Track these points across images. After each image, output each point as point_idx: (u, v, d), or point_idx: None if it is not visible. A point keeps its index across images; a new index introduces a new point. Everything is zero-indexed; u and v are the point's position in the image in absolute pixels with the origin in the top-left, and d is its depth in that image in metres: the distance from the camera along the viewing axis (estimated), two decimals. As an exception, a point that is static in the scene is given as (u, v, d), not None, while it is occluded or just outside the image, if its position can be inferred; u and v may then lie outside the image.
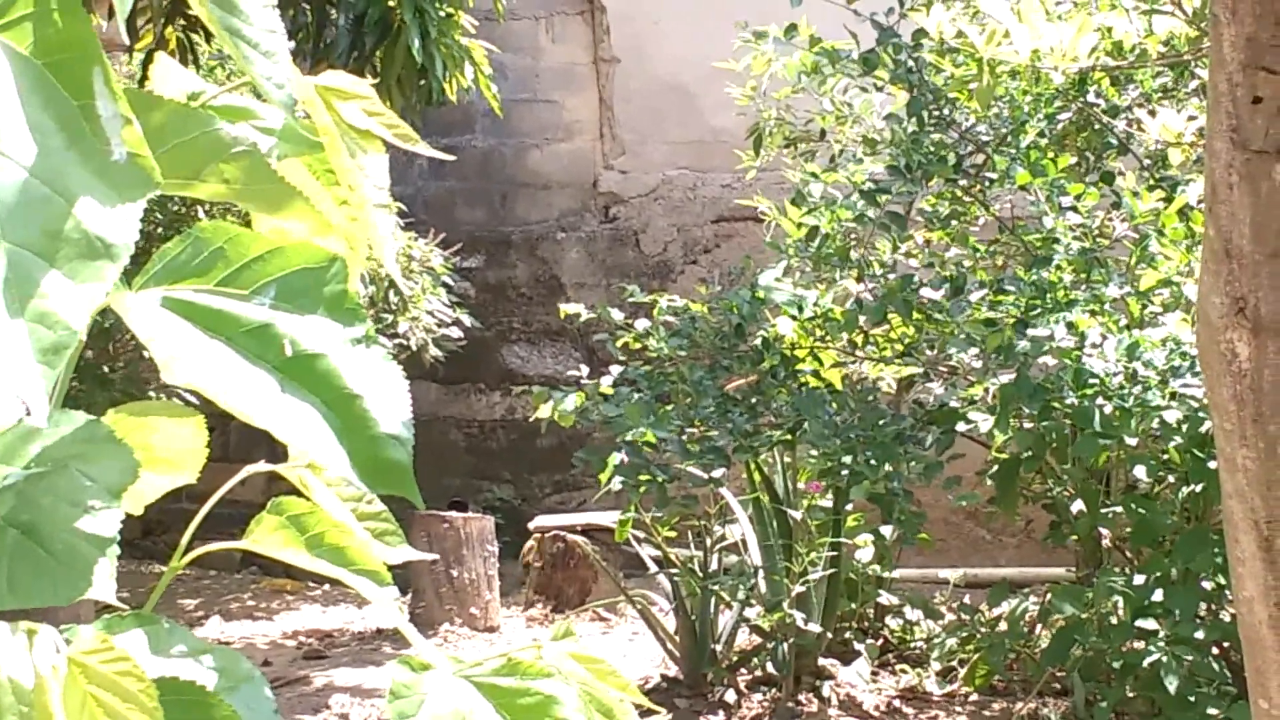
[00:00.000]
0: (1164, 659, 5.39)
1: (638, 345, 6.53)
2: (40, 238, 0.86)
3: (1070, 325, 5.71)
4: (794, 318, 6.30)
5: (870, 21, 6.33)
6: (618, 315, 6.61)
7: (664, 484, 6.17)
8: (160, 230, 7.38)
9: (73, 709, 0.91)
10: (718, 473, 6.25)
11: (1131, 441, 5.64)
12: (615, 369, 6.46)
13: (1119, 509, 5.88)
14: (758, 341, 6.28)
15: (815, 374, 6.36)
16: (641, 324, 6.54)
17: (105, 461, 0.98)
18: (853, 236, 6.57)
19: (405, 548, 1.24)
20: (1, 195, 0.86)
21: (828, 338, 6.35)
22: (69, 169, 0.88)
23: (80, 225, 0.87)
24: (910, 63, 6.06)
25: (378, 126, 1.14)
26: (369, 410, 1.03)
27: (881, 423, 6.05)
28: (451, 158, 1.29)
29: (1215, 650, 5.65)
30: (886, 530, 6.86)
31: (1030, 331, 5.72)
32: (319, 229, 1.12)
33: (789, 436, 6.25)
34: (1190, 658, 5.42)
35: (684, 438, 6.16)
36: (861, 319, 6.23)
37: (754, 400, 6.23)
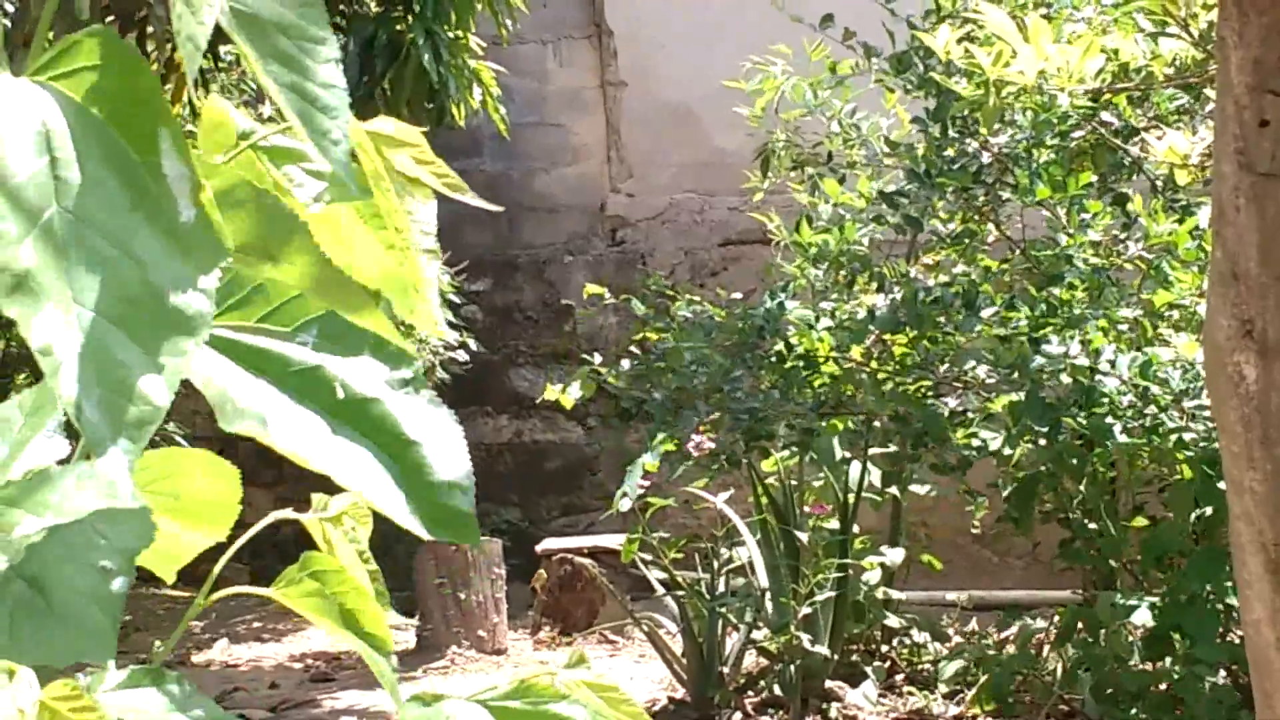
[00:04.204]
0: (1185, 679, 5.40)
1: (656, 339, 6.54)
2: (116, 304, 0.82)
3: (1084, 342, 5.71)
4: (811, 326, 6.30)
5: (906, 23, 6.35)
6: (640, 308, 6.63)
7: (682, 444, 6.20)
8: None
9: None
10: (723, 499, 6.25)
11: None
12: (625, 364, 6.48)
13: (1134, 529, 5.87)
14: (780, 346, 6.27)
15: (834, 378, 6.35)
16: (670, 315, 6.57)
17: (122, 520, 0.96)
18: (855, 262, 6.56)
19: (390, 611, 1.23)
20: (71, 256, 0.82)
21: (841, 348, 6.34)
22: (137, 230, 0.85)
23: (158, 294, 0.84)
24: (937, 67, 6.06)
25: (427, 175, 1.13)
26: (427, 458, 1.02)
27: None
28: (499, 208, 1.28)
29: (1224, 672, 5.64)
30: (894, 553, 6.86)
31: (1045, 348, 5.72)
32: (375, 319, 1.10)
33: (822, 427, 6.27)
34: (1211, 679, 5.42)
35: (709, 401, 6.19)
36: (872, 331, 6.23)
37: (780, 389, 6.23)
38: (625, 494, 6.59)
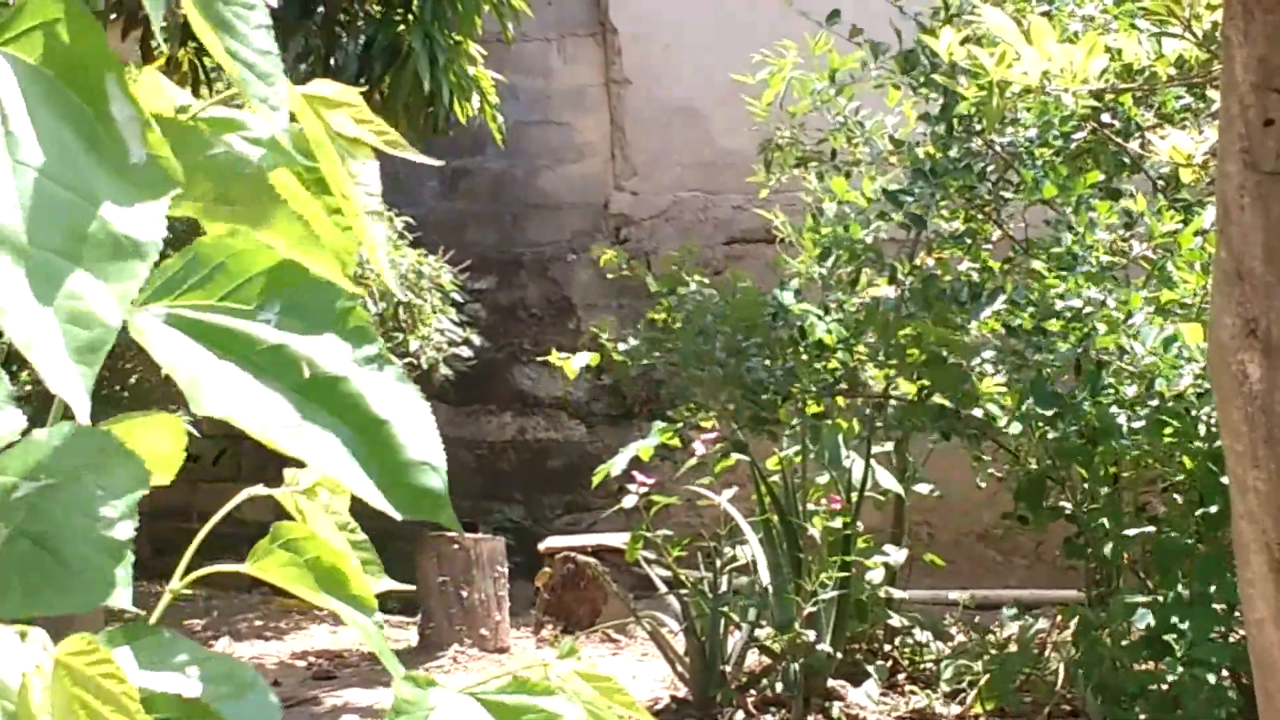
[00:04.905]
0: (1184, 679, 5.39)
1: (666, 318, 6.56)
2: (65, 240, 0.86)
3: (1122, 301, 5.72)
4: (820, 317, 6.32)
5: (915, 21, 6.36)
6: (654, 284, 6.66)
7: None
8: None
9: (58, 709, 0.90)
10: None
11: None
12: (631, 340, 6.52)
13: (1142, 529, 5.87)
14: (794, 331, 6.29)
15: (845, 365, 6.35)
16: (672, 299, 6.58)
17: (117, 471, 0.97)
18: (870, 253, 6.56)
19: (385, 579, 1.24)
20: (21, 201, 0.86)
21: (853, 340, 6.33)
22: (88, 173, 0.88)
23: (106, 226, 0.87)
24: (943, 66, 6.07)
25: (366, 134, 1.14)
26: (398, 436, 1.02)
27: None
28: (439, 163, 1.29)
29: (1226, 672, 5.64)
30: (897, 552, 6.86)
31: (1088, 292, 5.72)
32: (303, 244, 1.11)
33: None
34: (1212, 679, 5.42)
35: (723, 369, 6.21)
36: (883, 312, 6.26)
37: (786, 370, 6.24)
38: (610, 471, 6.60)
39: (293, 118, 1.10)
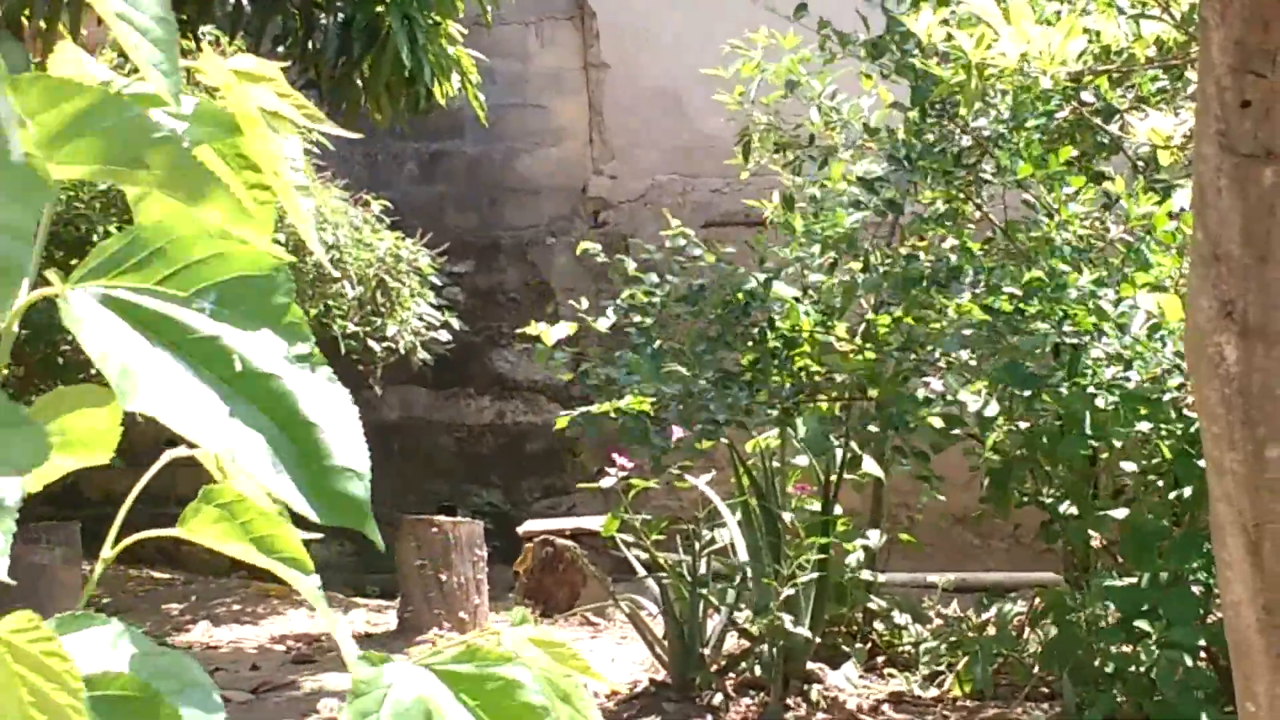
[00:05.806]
0: (1160, 662, 5.41)
1: (645, 299, 6.55)
2: None
3: (1100, 283, 5.74)
4: (799, 299, 6.32)
5: (882, 8, 6.36)
6: (630, 265, 6.65)
7: (661, 448, 6.21)
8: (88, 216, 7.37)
9: (0, 686, 0.89)
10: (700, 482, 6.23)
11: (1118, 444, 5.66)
12: (611, 314, 6.51)
13: (1112, 512, 5.88)
14: (764, 322, 6.28)
15: (815, 358, 6.35)
16: (652, 278, 6.56)
17: (16, 445, 0.93)
18: (841, 243, 6.56)
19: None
20: None
21: (829, 322, 6.33)
22: None
23: None
24: (915, 53, 6.06)
25: (287, 108, 1.13)
26: (325, 440, 1.00)
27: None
28: (358, 135, 1.28)
29: (1203, 654, 5.66)
30: (876, 535, 6.87)
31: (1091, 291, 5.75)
32: (236, 218, 1.09)
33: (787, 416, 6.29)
34: (1188, 661, 5.43)
35: (681, 408, 6.18)
36: (859, 295, 6.26)
37: (751, 377, 6.24)
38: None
39: (213, 92, 1.09)
